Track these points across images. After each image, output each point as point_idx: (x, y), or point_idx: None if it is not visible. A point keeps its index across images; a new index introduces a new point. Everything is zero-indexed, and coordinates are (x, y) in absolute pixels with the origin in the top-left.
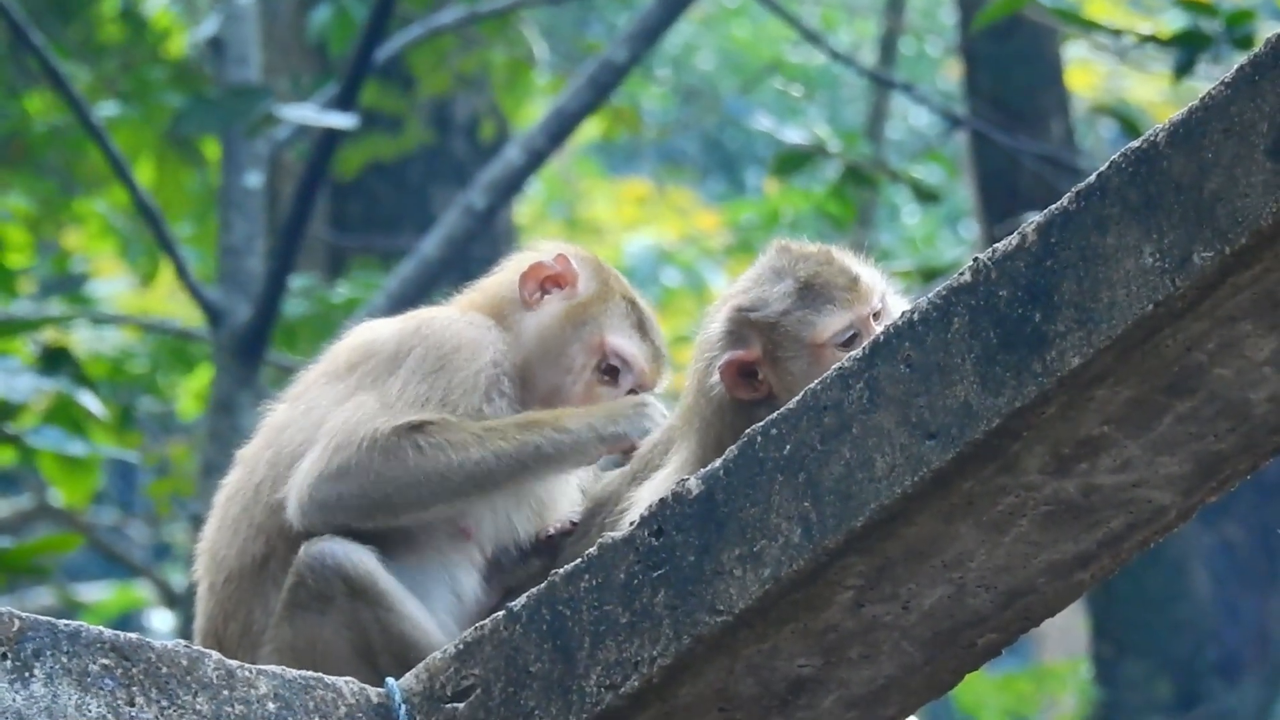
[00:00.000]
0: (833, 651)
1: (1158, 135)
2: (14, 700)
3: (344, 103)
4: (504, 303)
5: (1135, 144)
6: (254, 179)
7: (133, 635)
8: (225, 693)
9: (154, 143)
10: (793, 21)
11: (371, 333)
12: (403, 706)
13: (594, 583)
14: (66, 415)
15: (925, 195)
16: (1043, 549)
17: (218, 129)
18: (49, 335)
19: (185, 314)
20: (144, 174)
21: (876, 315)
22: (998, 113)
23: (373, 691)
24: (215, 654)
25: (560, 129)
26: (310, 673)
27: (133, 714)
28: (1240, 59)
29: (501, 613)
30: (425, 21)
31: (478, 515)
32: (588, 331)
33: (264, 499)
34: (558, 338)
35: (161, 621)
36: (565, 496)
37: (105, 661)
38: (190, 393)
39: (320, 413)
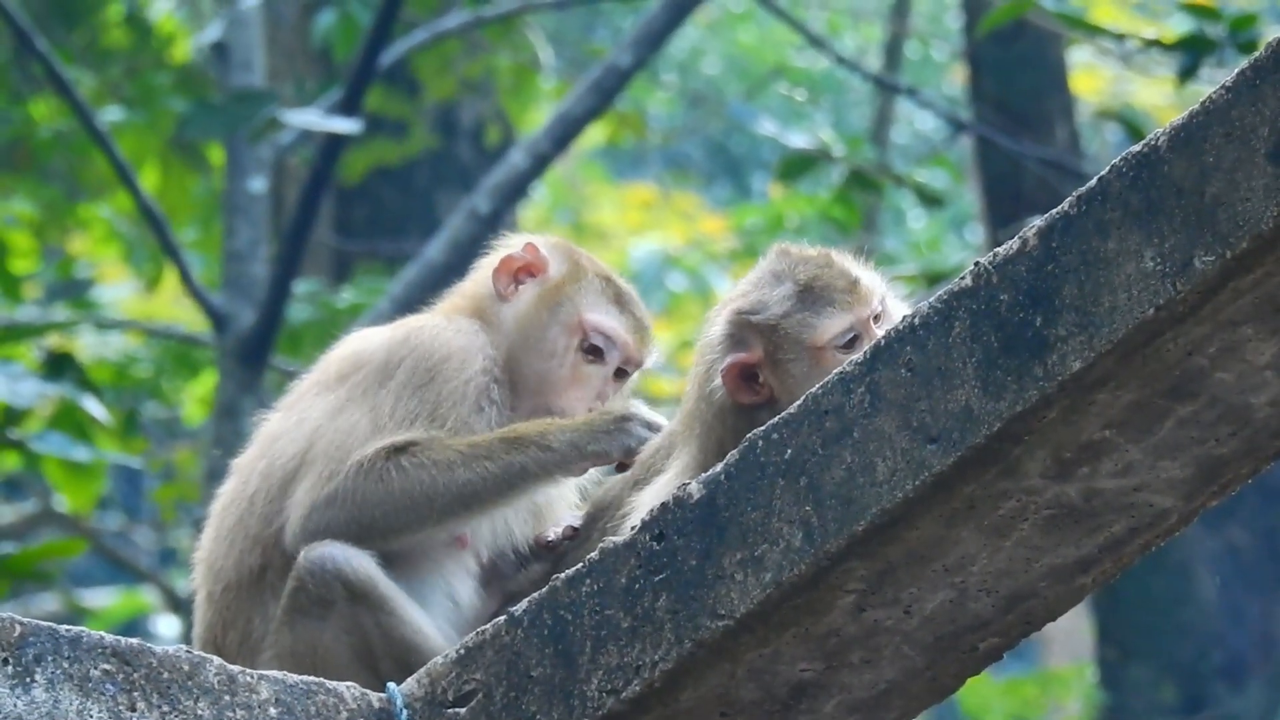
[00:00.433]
0: (834, 656)
1: (1159, 139)
2: (15, 705)
3: (348, 108)
4: (483, 301)
5: (1136, 148)
6: (258, 184)
7: (134, 640)
8: (227, 698)
9: (158, 148)
10: (798, 26)
11: (361, 342)
12: (404, 711)
13: (595, 587)
14: (71, 420)
15: (930, 200)
16: (1044, 553)
17: (222, 134)
18: (53, 340)
19: (190, 319)
20: (148, 179)
21: (877, 318)
22: (1002, 117)
23: (374, 696)
24: (217, 659)
25: (565, 133)
26: (311, 678)
27: (134, 719)
28: (1242, 63)
29: (503, 617)
30: (430, 26)
31: (477, 524)
32: (564, 312)
33: (258, 509)
34: (536, 323)
35: (167, 627)
36: (564, 501)
37: (106, 667)
38: (195, 398)
39: (312, 424)
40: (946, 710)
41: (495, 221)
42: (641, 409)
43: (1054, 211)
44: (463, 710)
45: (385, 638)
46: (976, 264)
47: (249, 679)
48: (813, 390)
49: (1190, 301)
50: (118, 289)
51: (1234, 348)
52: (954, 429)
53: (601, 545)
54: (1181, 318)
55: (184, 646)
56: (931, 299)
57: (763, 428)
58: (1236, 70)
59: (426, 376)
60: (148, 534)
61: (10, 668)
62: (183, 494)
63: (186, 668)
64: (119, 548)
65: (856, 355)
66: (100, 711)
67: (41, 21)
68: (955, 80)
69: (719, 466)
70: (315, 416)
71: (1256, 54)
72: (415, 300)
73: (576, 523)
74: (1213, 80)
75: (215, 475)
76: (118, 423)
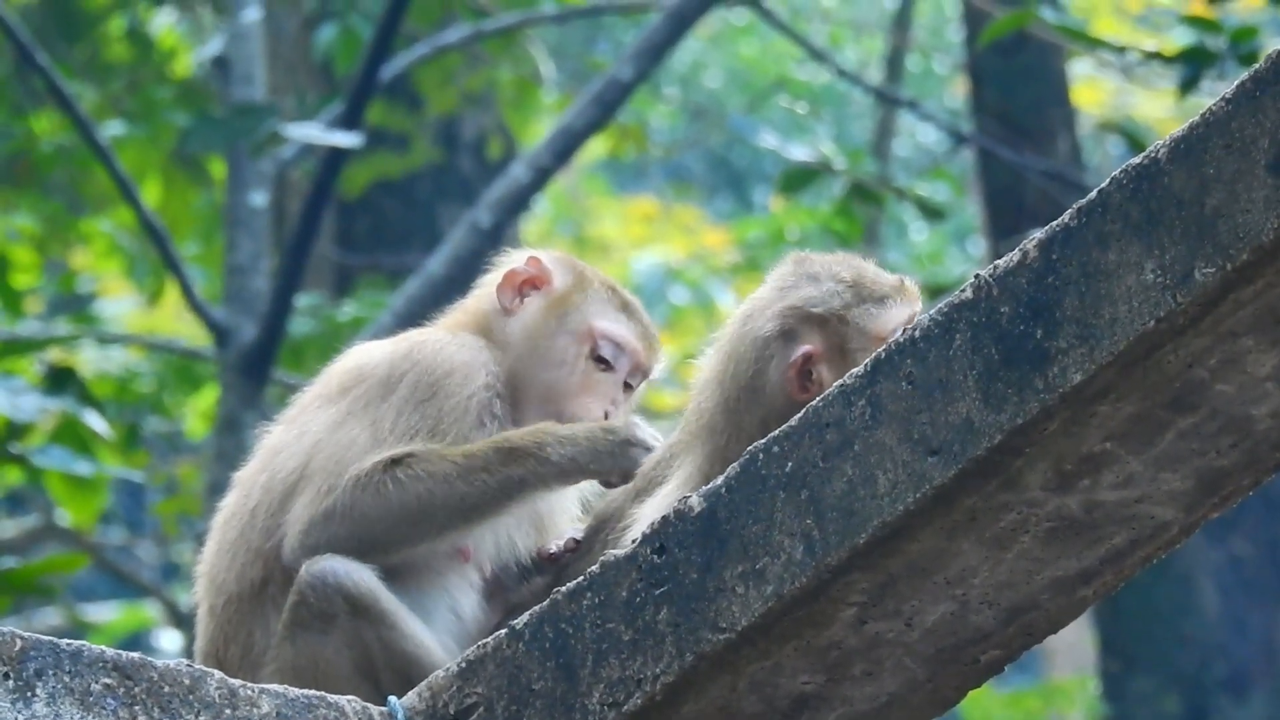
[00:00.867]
0: (836, 668)
1: (1159, 151)
2: None
3: (349, 121)
4: (486, 316)
5: (1136, 160)
6: (260, 198)
7: (135, 654)
8: (228, 712)
9: (160, 162)
10: (799, 39)
11: (364, 356)
12: None
13: (596, 600)
14: (73, 435)
15: (931, 212)
16: (1045, 565)
17: (223, 148)
18: (55, 355)
19: (191, 333)
20: (150, 193)
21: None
22: (1004, 129)
23: (376, 710)
24: (218, 673)
25: (567, 147)
26: (313, 692)
27: None
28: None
29: (504, 630)
30: (431, 40)
31: (477, 535)
32: (573, 321)
33: (260, 523)
34: (544, 333)
35: (170, 641)
36: (565, 513)
37: (107, 681)
38: (197, 412)
39: (313, 437)
40: None
41: (497, 235)
42: (644, 431)
43: (1054, 224)
44: None
45: (387, 651)
46: (977, 276)
47: (250, 693)
48: (813, 403)
49: (1191, 313)
50: (119, 303)
51: (1235, 359)
52: (955, 441)
53: (602, 558)
54: (1182, 330)
55: (185, 660)
56: (932, 311)
57: (763, 440)
58: (1236, 82)
59: (429, 391)
60: (150, 548)
61: (11, 682)
62: (185, 508)
63: (188, 682)
64: (121, 562)
65: (857, 369)
66: None
67: (43, 36)
68: (957, 93)
69: (719, 480)
70: (316, 430)
71: (1257, 66)
72: (417, 314)
73: (579, 535)
74: (1214, 92)
75: (217, 489)
76: (120, 437)
